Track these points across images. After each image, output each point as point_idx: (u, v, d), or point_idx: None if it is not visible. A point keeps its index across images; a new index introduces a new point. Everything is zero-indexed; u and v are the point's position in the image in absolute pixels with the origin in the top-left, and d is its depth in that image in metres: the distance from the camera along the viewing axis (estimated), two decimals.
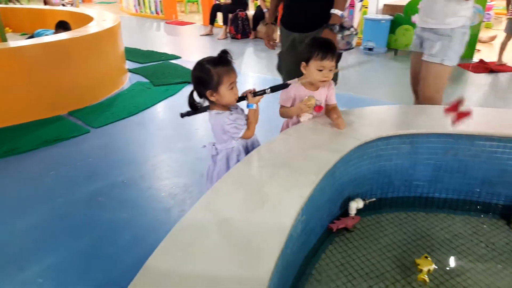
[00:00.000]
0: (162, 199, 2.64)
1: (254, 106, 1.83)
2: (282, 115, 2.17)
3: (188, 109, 1.87)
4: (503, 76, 5.39)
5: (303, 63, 2.00)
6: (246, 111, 1.89)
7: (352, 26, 2.42)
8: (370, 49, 6.66)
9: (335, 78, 2.55)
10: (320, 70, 1.95)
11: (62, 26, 4.66)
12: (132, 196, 2.67)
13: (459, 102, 1.94)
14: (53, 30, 4.75)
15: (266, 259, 1.16)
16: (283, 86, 1.95)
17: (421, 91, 2.70)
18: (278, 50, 2.79)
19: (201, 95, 1.80)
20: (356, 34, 2.48)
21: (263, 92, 1.84)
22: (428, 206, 2.11)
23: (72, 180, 2.87)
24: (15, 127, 3.68)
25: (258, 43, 7.70)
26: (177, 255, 1.18)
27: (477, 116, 2.20)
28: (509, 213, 2.00)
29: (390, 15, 6.74)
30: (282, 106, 2.14)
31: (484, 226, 1.98)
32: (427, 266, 1.69)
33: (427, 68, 2.64)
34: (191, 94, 1.81)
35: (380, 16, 6.75)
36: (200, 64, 1.74)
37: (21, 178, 2.93)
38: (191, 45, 7.87)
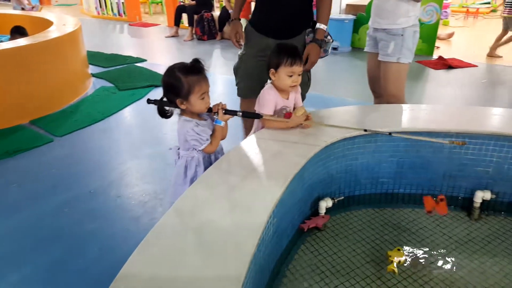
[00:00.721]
0: (131, 207, 2.61)
1: (222, 123, 1.82)
2: (275, 126, 2.07)
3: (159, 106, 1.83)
4: (460, 72, 5.62)
5: (272, 70, 2.02)
6: None
7: (329, 34, 2.46)
8: (335, 49, 6.79)
9: (307, 84, 2.57)
10: (290, 76, 1.99)
11: (18, 31, 4.53)
12: (100, 206, 2.63)
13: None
14: (9, 36, 4.62)
15: (239, 263, 1.18)
16: (256, 115, 1.94)
17: (384, 90, 2.79)
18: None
19: (171, 102, 1.78)
20: (333, 41, 2.53)
21: (234, 113, 1.83)
22: (394, 202, 2.19)
23: (36, 192, 2.80)
24: None
25: (225, 44, 7.70)
26: (151, 262, 1.19)
27: (437, 113, 2.30)
28: (469, 205, 2.10)
29: (353, 14, 6.90)
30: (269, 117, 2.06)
31: (447, 218, 2.07)
32: (398, 257, 1.77)
33: (386, 67, 2.74)
34: (160, 101, 1.79)
35: (343, 16, 6.90)
36: (171, 71, 1.72)
37: None
38: (157, 47, 7.79)
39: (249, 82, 2.54)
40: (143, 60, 6.29)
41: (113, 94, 4.76)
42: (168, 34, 8.58)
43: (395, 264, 1.74)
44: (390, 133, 1.95)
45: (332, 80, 5.41)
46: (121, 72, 5.66)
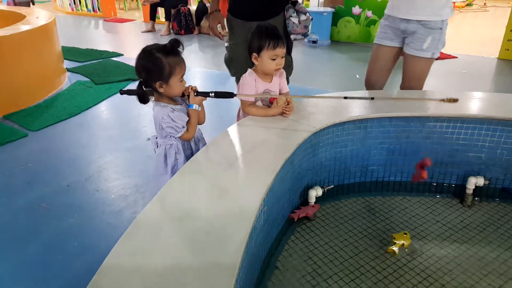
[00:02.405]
0: (111, 201, 2.49)
1: (195, 107, 1.73)
2: (254, 113, 2.01)
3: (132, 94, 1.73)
4: (441, 63, 5.63)
5: (254, 54, 1.95)
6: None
7: (307, 11, 2.45)
8: (314, 42, 6.74)
9: (290, 67, 2.53)
10: (274, 59, 1.91)
11: None
12: (79, 200, 2.51)
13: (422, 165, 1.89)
14: None
15: (231, 254, 1.09)
16: (229, 94, 1.82)
17: (406, 84, 2.61)
18: (224, 42, 2.69)
19: (147, 86, 1.68)
20: (312, 19, 2.49)
21: (206, 94, 1.73)
22: (385, 190, 2.14)
23: (12, 188, 2.65)
24: None
25: (202, 39, 7.57)
26: (136, 253, 1.10)
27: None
28: (461, 191, 2.06)
29: (331, 7, 6.86)
30: (249, 104, 2.02)
31: (439, 206, 2.03)
32: (402, 240, 1.73)
33: (415, 62, 2.51)
34: (139, 86, 1.68)
35: (322, 9, 6.85)
36: (148, 53, 1.61)
37: None
38: (133, 42, 7.60)
39: (245, 69, 2.47)
40: (119, 55, 6.15)
41: (89, 88, 4.60)
42: (144, 29, 8.38)
43: (398, 247, 1.70)
44: (372, 98, 1.93)
45: (313, 73, 5.36)
46: (97, 66, 5.50)
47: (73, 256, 2.04)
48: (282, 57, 1.94)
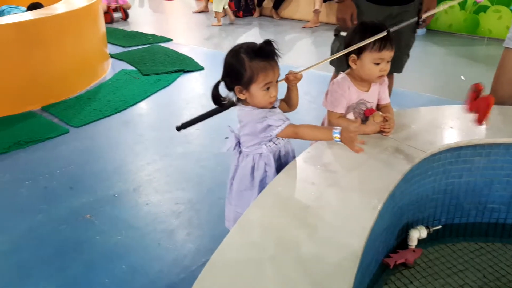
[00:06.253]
0: (163, 218, 2.54)
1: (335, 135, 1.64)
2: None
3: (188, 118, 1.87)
4: None
5: (353, 56, 1.90)
6: None
7: None
8: None
9: (400, 66, 2.65)
10: (377, 63, 1.86)
11: (36, 8, 4.53)
12: (127, 213, 2.58)
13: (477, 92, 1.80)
14: (22, 8, 4.66)
15: None
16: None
17: None
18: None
19: (229, 88, 1.71)
20: None
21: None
22: (507, 235, 2.03)
23: (52, 193, 2.76)
24: None
25: (264, 22, 7.60)
26: None
27: None
28: None
29: None
30: (339, 117, 1.98)
31: None
32: None
33: None
34: (216, 86, 1.71)
35: None
36: (236, 51, 1.65)
37: None
38: (183, 24, 7.77)
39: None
40: (168, 40, 6.25)
41: (135, 80, 4.72)
42: (195, 9, 8.54)
43: None
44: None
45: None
46: (143, 53, 5.64)
47: (121, 281, 2.09)
48: (388, 62, 1.89)
